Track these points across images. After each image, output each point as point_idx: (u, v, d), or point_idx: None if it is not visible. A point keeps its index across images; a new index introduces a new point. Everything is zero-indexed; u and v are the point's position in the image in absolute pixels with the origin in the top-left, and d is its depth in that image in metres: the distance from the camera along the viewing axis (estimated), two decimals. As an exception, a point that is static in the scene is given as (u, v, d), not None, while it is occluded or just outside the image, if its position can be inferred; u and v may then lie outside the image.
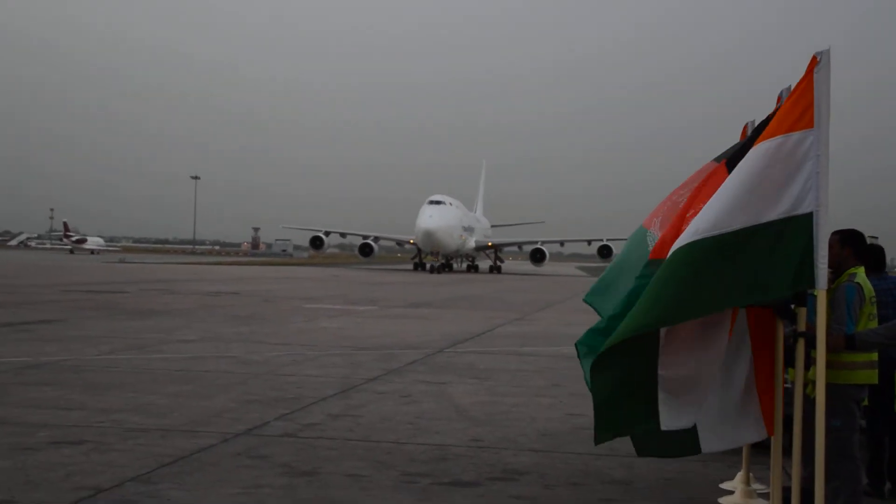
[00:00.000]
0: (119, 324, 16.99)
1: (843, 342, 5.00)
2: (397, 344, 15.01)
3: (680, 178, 5.73)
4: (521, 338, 16.92)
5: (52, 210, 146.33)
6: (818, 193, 4.53)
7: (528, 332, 18.46)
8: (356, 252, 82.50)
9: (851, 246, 5.42)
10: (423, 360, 12.86)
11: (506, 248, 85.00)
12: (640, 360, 4.66)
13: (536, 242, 76.58)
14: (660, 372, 4.65)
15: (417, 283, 44.50)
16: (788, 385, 5.21)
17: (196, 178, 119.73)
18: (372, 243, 76.72)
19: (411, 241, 72.02)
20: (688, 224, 4.72)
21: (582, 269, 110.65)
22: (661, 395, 4.64)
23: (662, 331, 4.64)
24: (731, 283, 4.54)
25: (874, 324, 5.31)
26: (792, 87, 4.75)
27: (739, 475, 6.10)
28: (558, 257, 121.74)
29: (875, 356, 5.28)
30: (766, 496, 5.75)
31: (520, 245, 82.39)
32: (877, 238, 6.70)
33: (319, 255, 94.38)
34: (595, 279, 5.90)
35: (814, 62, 4.56)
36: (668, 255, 4.65)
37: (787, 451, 5.05)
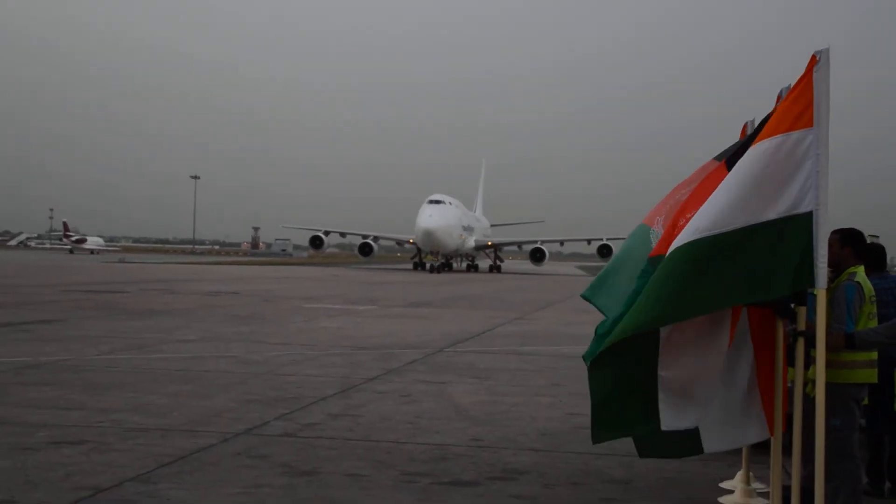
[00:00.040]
0: (119, 324, 16.98)
1: (843, 341, 5.00)
2: (397, 343, 15.01)
3: (680, 178, 5.72)
4: (520, 337, 16.91)
5: (51, 210, 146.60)
6: (818, 192, 4.52)
7: (527, 331, 18.46)
8: (356, 252, 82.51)
9: (851, 245, 5.42)
10: (423, 360, 12.86)
11: (505, 248, 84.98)
12: (640, 359, 4.66)
13: (536, 242, 76.54)
14: (660, 372, 4.64)
15: (417, 283, 44.51)
16: (791, 384, 5.21)
17: (196, 177, 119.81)
18: (371, 243, 76.68)
19: (411, 241, 72.01)
20: (687, 223, 4.72)
21: (582, 268, 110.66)
22: (661, 396, 4.64)
23: (662, 331, 4.64)
24: (730, 282, 4.54)
25: (874, 323, 5.31)
26: (791, 86, 4.75)
27: (739, 474, 6.11)
28: (558, 257, 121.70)
29: (875, 355, 5.28)
30: (765, 495, 5.75)
31: (519, 244, 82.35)
32: (878, 237, 6.70)
33: (319, 255, 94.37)
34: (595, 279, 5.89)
35: (813, 61, 4.56)
36: (667, 254, 4.65)
37: (786, 450, 5.05)
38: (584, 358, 5.15)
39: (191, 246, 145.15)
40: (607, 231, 74.98)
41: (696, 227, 4.58)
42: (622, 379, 4.74)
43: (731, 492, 6.04)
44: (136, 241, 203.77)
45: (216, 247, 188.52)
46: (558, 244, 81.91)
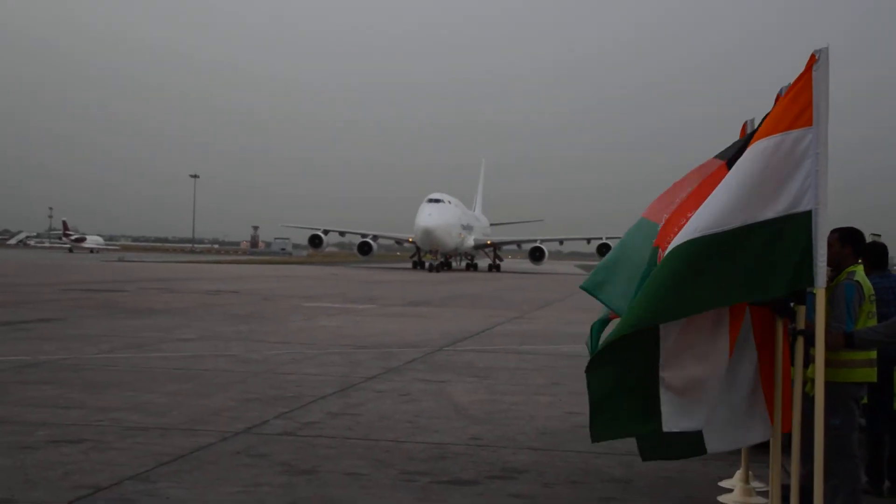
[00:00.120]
0: (118, 322, 16.98)
1: (843, 340, 5.00)
2: (396, 342, 15.01)
3: (679, 177, 5.71)
4: (520, 336, 16.92)
5: (51, 209, 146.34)
6: (817, 191, 4.52)
7: (527, 330, 18.46)
8: (355, 251, 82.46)
9: (851, 244, 5.42)
10: (422, 359, 12.87)
11: (505, 247, 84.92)
12: (640, 358, 4.65)
13: (535, 241, 76.49)
14: (661, 373, 4.61)
15: (416, 282, 44.51)
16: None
17: (195, 176, 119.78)
18: (371, 242, 76.61)
19: (410, 240, 71.96)
20: (687, 222, 4.71)
21: (581, 267, 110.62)
22: (663, 397, 4.60)
23: (662, 330, 4.62)
24: (729, 280, 4.54)
25: (873, 322, 5.31)
26: (789, 85, 4.75)
27: (739, 473, 6.11)
28: (557, 256, 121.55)
29: (874, 354, 5.28)
30: (765, 494, 5.75)
31: (519, 243, 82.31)
32: (879, 236, 6.69)
33: (318, 254, 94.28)
34: None
35: (812, 60, 4.56)
36: (666, 252, 4.64)
37: (786, 449, 5.05)
38: (590, 349, 5.14)
39: (190, 245, 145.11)
40: (607, 230, 74.97)
41: (695, 225, 4.57)
42: (622, 377, 4.72)
43: (730, 491, 6.05)
44: (135, 239, 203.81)
45: (215, 246, 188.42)
46: (558, 243, 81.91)
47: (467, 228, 72.32)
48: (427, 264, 67.25)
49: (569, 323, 20.06)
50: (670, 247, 4.63)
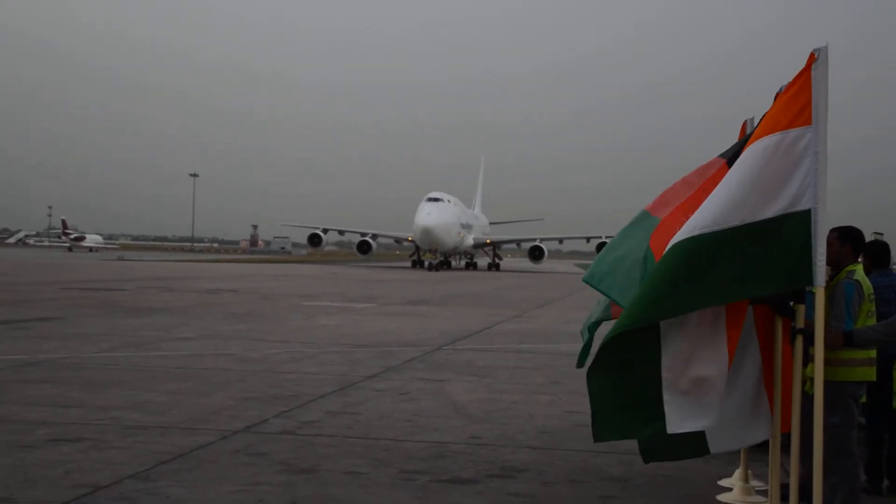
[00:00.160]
0: (117, 321, 16.98)
1: (842, 339, 5.00)
2: (395, 341, 15.01)
3: (679, 177, 5.70)
4: (519, 335, 16.92)
5: (50, 207, 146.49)
6: (816, 190, 4.52)
7: (526, 329, 18.46)
8: (354, 249, 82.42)
9: (850, 243, 5.42)
10: (422, 358, 12.87)
11: (504, 246, 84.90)
12: (641, 359, 4.63)
13: (535, 240, 76.45)
14: (664, 373, 4.60)
15: (416, 281, 44.51)
16: None
17: (195, 175, 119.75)
18: (370, 241, 76.54)
19: (409, 239, 71.94)
20: (687, 220, 4.71)
21: (581, 266, 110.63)
22: (666, 398, 4.57)
23: (663, 329, 4.61)
24: (728, 278, 4.53)
25: (872, 321, 5.31)
26: (788, 84, 4.75)
27: (738, 472, 6.11)
28: (557, 255, 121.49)
29: (873, 353, 5.28)
30: (764, 493, 5.75)
31: (518, 242, 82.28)
32: (882, 234, 6.69)
33: (318, 253, 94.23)
34: None
35: (811, 59, 4.56)
36: (665, 250, 4.64)
37: (785, 448, 5.06)
38: (580, 359, 5.13)
39: (189, 244, 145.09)
40: (606, 229, 74.83)
41: (695, 223, 4.57)
42: (623, 378, 4.71)
43: (729, 489, 6.05)
44: (134, 238, 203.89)
45: (215, 244, 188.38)
46: (557, 242, 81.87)
47: (467, 227, 72.28)
48: (426, 263, 67.22)
49: (568, 322, 20.05)
50: (670, 244, 4.62)
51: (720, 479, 6.34)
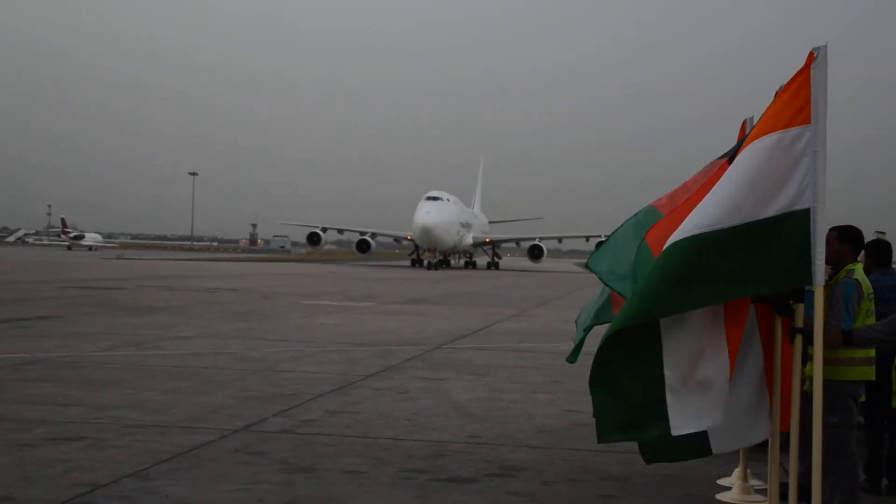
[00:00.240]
0: (117, 320, 16.98)
1: (841, 338, 5.00)
2: (395, 340, 15.02)
3: (679, 178, 5.72)
4: (518, 334, 16.93)
5: (49, 206, 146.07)
6: (815, 189, 4.52)
7: (525, 328, 18.47)
8: (353, 248, 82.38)
9: (850, 242, 5.42)
10: (421, 357, 12.87)
11: (504, 245, 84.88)
12: (643, 359, 4.61)
13: (534, 239, 76.42)
14: (666, 373, 4.58)
15: (415, 280, 44.51)
16: None
17: (194, 174, 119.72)
18: (369, 240, 76.46)
19: (409, 238, 71.91)
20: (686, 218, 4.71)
21: (580, 265, 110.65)
22: (669, 399, 4.55)
23: (663, 329, 4.60)
24: (728, 277, 4.53)
25: (872, 320, 5.31)
26: (787, 83, 4.74)
27: (737, 471, 6.12)
28: (556, 254, 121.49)
29: (872, 353, 5.28)
30: (763, 492, 5.75)
31: (518, 241, 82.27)
32: (884, 233, 6.69)
33: (317, 252, 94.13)
34: (593, 277, 5.82)
35: (811, 58, 4.56)
36: (664, 248, 4.63)
37: (784, 447, 5.06)
38: (573, 353, 5.12)
39: (189, 242, 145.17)
40: (606, 229, 74.66)
41: (695, 222, 4.57)
42: (624, 378, 4.68)
43: (729, 489, 6.06)
44: (134, 237, 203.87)
45: (214, 243, 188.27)
46: (557, 241, 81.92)
47: (466, 226, 72.26)
48: (426, 262, 67.18)
49: (568, 321, 19.97)
50: (668, 242, 4.62)
51: (719, 478, 6.34)
